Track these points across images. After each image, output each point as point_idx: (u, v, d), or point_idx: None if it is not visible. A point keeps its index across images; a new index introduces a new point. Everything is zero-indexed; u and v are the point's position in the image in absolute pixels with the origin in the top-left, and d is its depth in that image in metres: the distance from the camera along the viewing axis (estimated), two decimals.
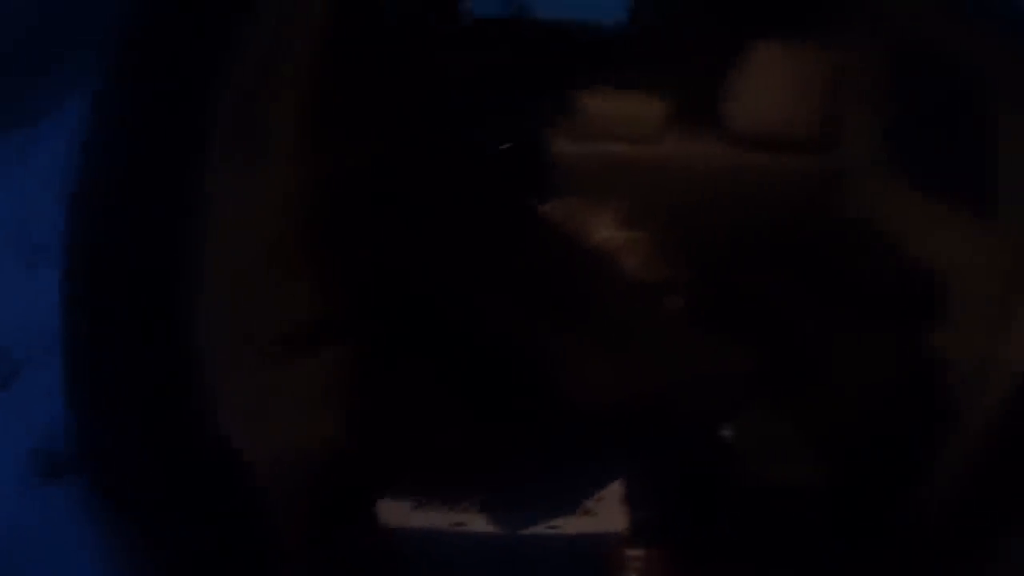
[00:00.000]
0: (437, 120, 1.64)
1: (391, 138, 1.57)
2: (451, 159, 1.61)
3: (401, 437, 1.45)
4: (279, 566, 1.26)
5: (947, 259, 1.66)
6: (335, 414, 1.42)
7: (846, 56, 1.89)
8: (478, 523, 1.39)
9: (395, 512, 1.41)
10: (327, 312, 1.45)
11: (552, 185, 1.72)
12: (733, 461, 1.51)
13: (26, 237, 2.59)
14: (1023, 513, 1.53)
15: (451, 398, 1.46)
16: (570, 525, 1.40)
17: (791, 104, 1.88)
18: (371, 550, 1.40)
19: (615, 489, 1.44)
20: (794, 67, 1.88)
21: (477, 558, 1.41)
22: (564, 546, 1.40)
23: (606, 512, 1.42)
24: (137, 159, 1.17)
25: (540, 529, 1.39)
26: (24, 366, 2.25)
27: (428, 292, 1.53)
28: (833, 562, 1.54)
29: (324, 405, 1.42)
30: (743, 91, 1.86)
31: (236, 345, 1.23)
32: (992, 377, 1.54)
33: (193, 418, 1.16)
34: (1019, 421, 1.51)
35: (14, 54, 3.08)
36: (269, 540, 1.24)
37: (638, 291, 1.60)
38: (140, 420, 1.18)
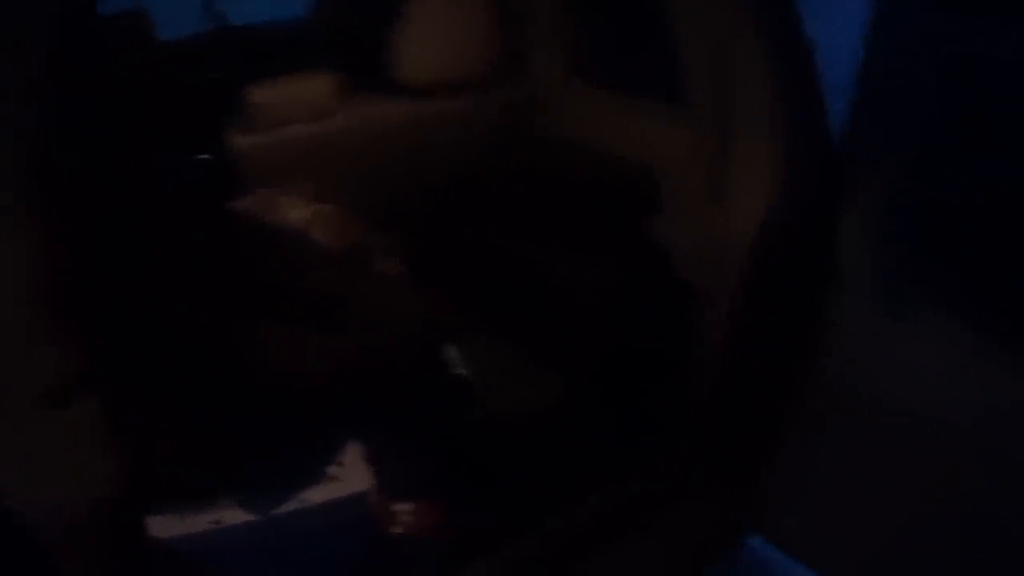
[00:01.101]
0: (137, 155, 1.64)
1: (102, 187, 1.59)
2: (152, 188, 1.62)
3: (156, 459, 1.50)
4: None
5: (654, 152, 1.71)
6: (99, 455, 1.46)
7: None
8: (235, 516, 1.45)
9: (162, 526, 1.46)
10: (73, 366, 1.47)
11: (243, 183, 1.73)
12: (471, 400, 1.57)
13: None
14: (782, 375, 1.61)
15: (190, 409, 1.50)
16: (318, 494, 1.46)
17: (457, 47, 1.90)
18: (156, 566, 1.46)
19: (356, 451, 1.50)
20: (453, 11, 1.88)
21: (246, 549, 1.47)
22: (322, 516, 1.47)
23: (351, 475, 1.48)
24: None
25: (292, 506, 1.45)
26: None
27: (158, 324, 1.55)
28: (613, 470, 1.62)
29: (87, 448, 1.45)
30: (408, 44, 1.87)
31: None
32: (718, 252, 1.60)
33: None
34: (753, 285, 1.58)
35: None
36: None
37: (334, 262, 1.64)
38: None
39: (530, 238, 1.71)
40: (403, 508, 1.52)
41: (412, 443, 1.54)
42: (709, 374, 1.60)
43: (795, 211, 1.50)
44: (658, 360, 1.65)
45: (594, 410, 1.64)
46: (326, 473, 1.48)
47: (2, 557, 1.28)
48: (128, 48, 1.76)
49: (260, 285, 1.55)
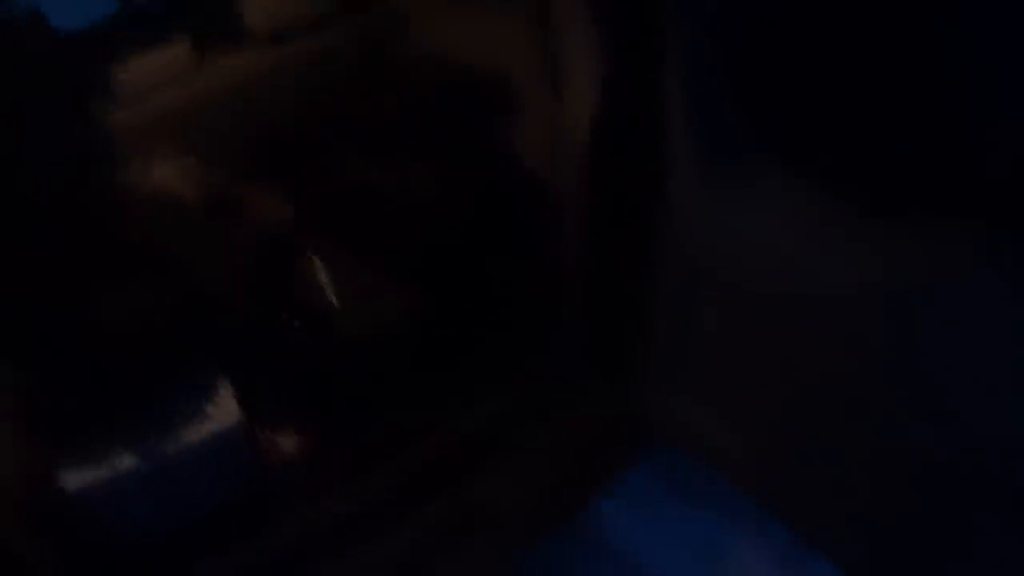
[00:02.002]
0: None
1: None
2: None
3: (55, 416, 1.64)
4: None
5: (500, 55, 1.69)
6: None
7: None
8: (129, 460, 1.57)
9: (73, 477, 1.60)
10: None
11: (115, 154, 1.83)
12: (334, 325, 1.62)
13: None
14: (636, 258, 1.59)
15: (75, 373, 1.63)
16: (196, 433, 1.56)
17: None
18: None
19: (226, 388, 1.58)
20: None
21: (142, 491, 1.59)
22: (205, 453, 1.57)
23: (222, 412, 1.57)
24: None
25: (175, 447, 1.56)
26: None
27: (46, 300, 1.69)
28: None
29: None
30: None
31: None
32: (563, 146, 1.59)
33: None
34: (596, 169, 1.56)
35: None
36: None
37: (198, 211, 1.71)
38: None
39: (385, 159, 1.75)
40: (274, 437, 1.60)
41: (281, 375, 1.62)
42: (568, 268, 1.59)
43: (624, 82, 1.46)
44: (516, 263, 1.65)
45: (459, 322, 1.66)
46: (200, 411, 1.58)
47: None
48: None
49: (135, 245, 1.65)
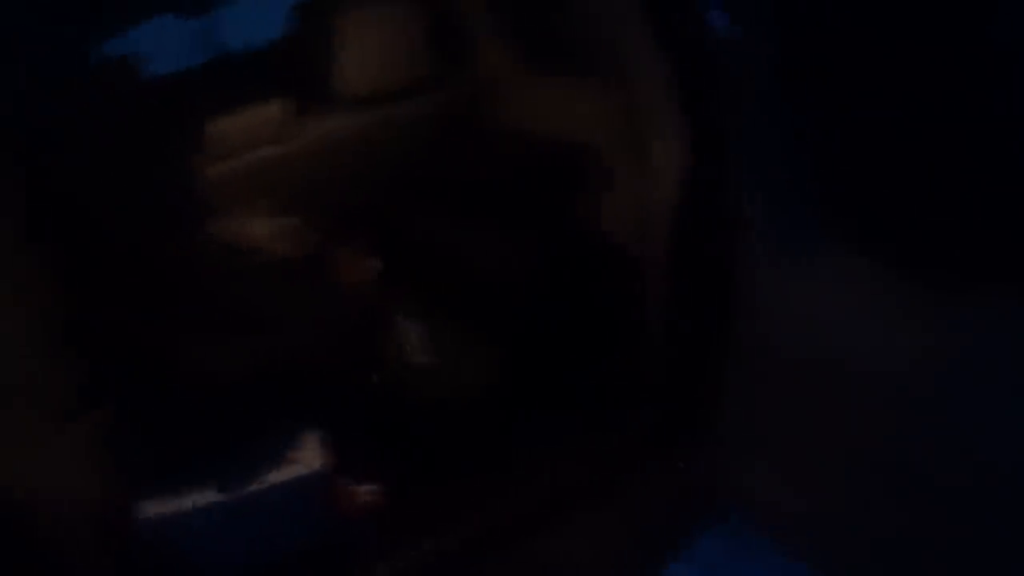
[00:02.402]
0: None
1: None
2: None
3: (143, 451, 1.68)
4: None
5: (588, 130, 1.78)
6: (101, 459, 1.66)
7: None
8: (210, 496, 1.61)
9: (150, 507, 1.63)
10: (83, 383, 1.70)
11: (213, 207, 1.91)
12: (422, 385, 1.67)
13: None
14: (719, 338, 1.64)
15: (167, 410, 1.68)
16: (278, 476, 1.60)
17: (392, 55, 2.02)
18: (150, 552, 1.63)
19: (312, 436, 1.63)
20: (384, 24, 2.01)
21: (220, 524, 1.62)
22: (280, 495, 1.61)
23: (307, 458, 1.62)
24: None
25: (256, 486, 1.59)
26: None
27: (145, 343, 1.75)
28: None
29: (91, 455, 1.66)
30: (346, 60, 2.01)
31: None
32: (648, 220, 1.66)
33: None
34: (682, 249, 1.63)
35: None
36: None
37: (293, 269, 1.79)
38: None
39: (474, 224, 1.81)
40: (357, 488, 1.64)
41: (366, 427, 1.66)
42: (647, 335, 1.64)
43: (703, 165, 1.53)
44: (598, 328, 1.70)
45: (540, 384, 1.71)
46: (286, 456, 1.62)
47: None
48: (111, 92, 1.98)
49: (231, 297, 1.72)
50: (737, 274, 1.57)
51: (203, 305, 1.74)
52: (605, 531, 1.63)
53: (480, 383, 1.73)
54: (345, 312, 1.73)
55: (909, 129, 1.26)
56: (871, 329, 1.41)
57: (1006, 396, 1.22)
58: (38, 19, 1.73)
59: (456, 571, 1.61)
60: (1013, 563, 1.30)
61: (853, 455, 1.47)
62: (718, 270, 1.58)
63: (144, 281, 1.80)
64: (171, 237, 1.85)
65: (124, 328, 1.76)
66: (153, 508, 1.61)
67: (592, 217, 1.77)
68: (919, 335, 1.32)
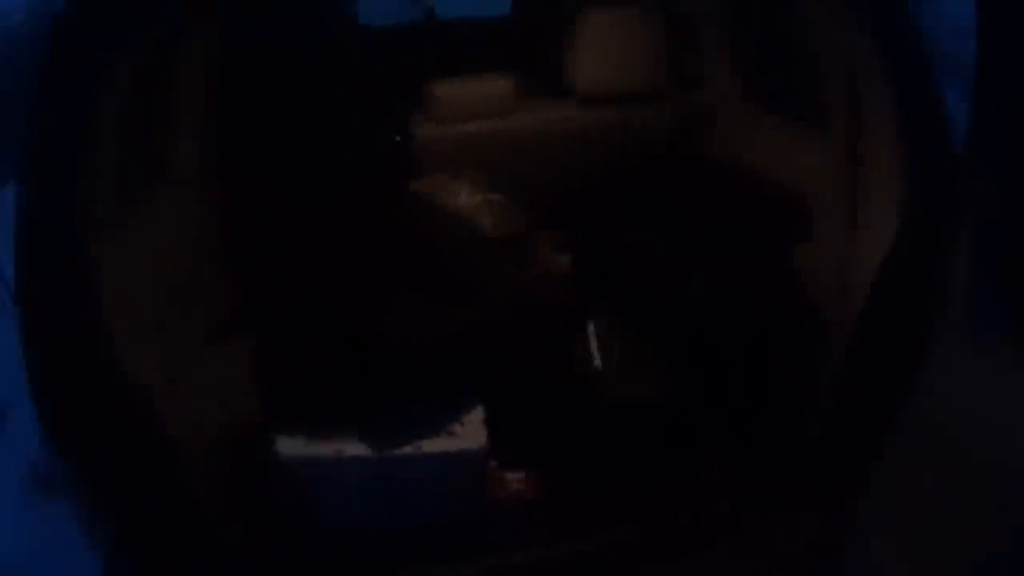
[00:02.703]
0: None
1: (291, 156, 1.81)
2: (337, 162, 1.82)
3: (293, 389, 1.66)
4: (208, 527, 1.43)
5: (805, 177, 1.77)
6: (246, 388, 1.63)
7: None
8: (356, 448, 1.58)
9: (289, 446, 1.60)
10: (236, 306, 1.68)
11: (418, 165, 1.91)
12: (591, 384, 1.65)
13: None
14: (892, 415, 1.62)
15: (330, 355, 1.66)
16: (434, 445, 1.57)
17: (628, 64, 2.03)
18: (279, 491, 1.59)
19: (476, 414, 1.60)
20: (625, 27, 2.03)
21: (359, 479, 1.59)
22: (431, 465, 1.58)
23: (469, 434, 1.59)
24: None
25: (408, 450, 1.56)
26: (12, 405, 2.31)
27: (318, 284, 1.73)
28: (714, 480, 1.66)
29: (236, 382, 1.63)
30: (582, 57, 2.02)
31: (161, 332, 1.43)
32: (848, 280, 1.64)
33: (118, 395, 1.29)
34: (877, 317, 1.61)
35: None
36: (196, 506, 1.38)
37: (492, 246, 1.78)
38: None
39: (675, 244, 1.81)
40: (510, 475, 1.61)
41: (531, 417, 1.64)
42: (818, 388, 1.62)
43: (918, 236, 1.52)
44: (773, 368, 1.68)
45: (708, 411, 1.69)
46: (446, 428, 1.59)
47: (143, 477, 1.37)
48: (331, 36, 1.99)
49: (421, 259, 1.70)
50: (925, 350, 1.55)
51: (392, 261, 1.72)
52: (727, 569, 1.60)
53: (651, 398, 1.71)
54: (534, 299, 1.71)
55: None
56: None
57: None
58: None
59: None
60: None
61: (992, 562, 1.45)
62: (907, 340, 1.56)
63: (335, 225, 1.78)
64: (372, 188, 1.84)
65: (307, 265, 1.74)
66: (296, 449, 1.57)
67: (790, 263, 1.75)
68: None
